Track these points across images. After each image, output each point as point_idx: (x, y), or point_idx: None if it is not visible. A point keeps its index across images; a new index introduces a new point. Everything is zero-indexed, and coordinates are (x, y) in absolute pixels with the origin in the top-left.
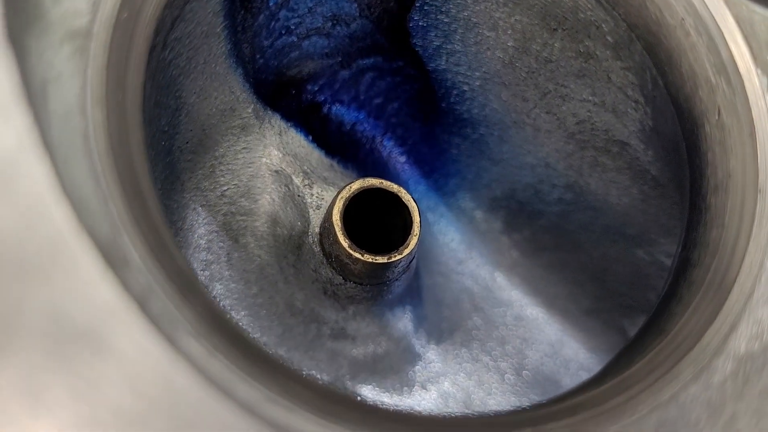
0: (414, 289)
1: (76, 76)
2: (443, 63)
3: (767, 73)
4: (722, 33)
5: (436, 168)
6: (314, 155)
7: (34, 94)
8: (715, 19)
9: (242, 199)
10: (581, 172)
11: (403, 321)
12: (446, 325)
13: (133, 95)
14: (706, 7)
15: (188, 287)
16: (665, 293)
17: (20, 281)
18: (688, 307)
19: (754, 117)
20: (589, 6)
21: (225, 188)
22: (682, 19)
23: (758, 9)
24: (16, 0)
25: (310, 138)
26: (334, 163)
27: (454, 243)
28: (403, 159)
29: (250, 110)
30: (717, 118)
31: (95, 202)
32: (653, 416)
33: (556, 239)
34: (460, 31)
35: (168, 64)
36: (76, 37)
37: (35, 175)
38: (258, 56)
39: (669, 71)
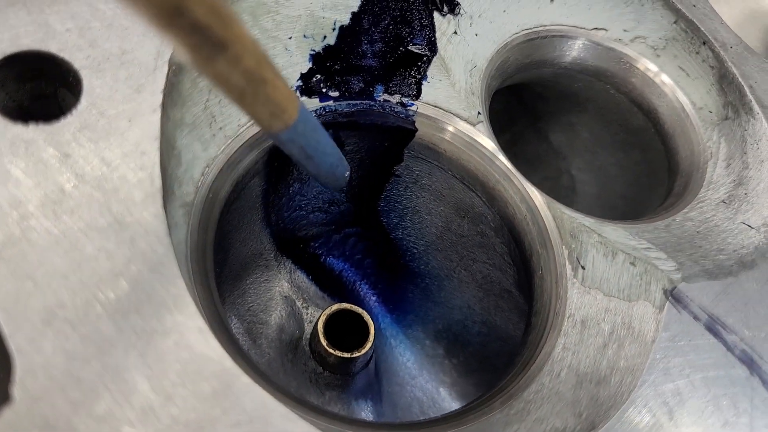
0: (376, 392)
1: (185, 225)
2: (400, 234)
3: (568, 248)
4: (546, 224)
5: (398, 306)
6: (312, 288)
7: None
8: (542, 216)
9: (261, 313)
10: (490, 312)
11: (366, 412)
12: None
13: (211, 237)
14: (539, 210)
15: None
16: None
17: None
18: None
19: (558, 271)
20: (479, 205)
21: (251, 305)
22: (525, 215)
23: (567, 211)
24: (166, 183)
25: (310, 277)
26: (325, 295)
27: (409, 363)
28: (374, 298)
29: (272, 255)
30: (540, 272)
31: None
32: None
33: (480, 363)
34: (409, 214)
35: (227, 222)
36: (186, 206)
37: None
38: (280, 222)
39: (520, 245)
